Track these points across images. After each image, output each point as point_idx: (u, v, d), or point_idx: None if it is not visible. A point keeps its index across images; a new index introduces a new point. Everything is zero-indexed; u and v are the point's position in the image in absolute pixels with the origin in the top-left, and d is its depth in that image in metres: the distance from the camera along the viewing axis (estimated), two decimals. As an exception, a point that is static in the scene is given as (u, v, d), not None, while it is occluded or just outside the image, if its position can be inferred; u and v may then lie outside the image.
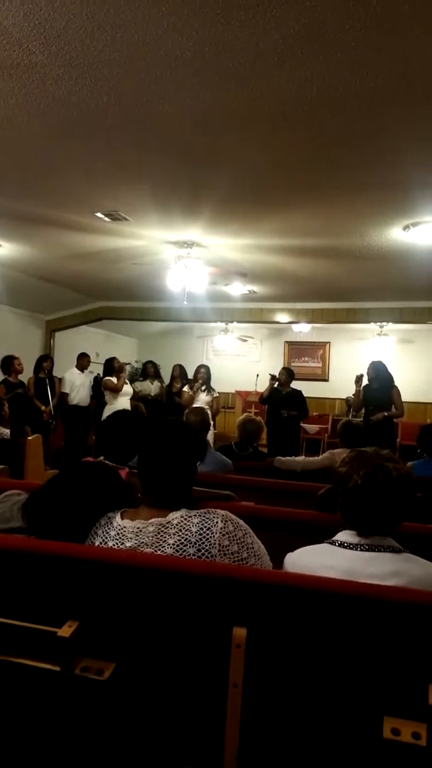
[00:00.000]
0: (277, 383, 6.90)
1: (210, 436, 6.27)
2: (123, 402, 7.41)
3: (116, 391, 7.47)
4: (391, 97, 2.66)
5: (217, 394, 7.24)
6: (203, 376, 7.05)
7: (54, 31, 2.29)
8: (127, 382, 7.78)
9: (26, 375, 7.33)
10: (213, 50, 2.35)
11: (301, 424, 7.68)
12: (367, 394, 6.21)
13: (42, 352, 9.21)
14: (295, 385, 6.97)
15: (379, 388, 6.09)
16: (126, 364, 8.00)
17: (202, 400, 6.85)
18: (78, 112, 2.97)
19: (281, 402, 6.78)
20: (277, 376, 6.93)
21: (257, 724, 1.21)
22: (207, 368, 7.20)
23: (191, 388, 7.10)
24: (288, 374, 6.95)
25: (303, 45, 2.29)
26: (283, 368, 7.20)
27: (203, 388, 6.97)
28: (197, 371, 7.18)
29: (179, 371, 8.31)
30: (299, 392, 6.88)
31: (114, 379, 7.55)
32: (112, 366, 7.68)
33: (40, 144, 3.42)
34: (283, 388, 6.85)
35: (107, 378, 7.66)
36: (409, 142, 3.12)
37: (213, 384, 7.22)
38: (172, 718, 1.28)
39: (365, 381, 6.31)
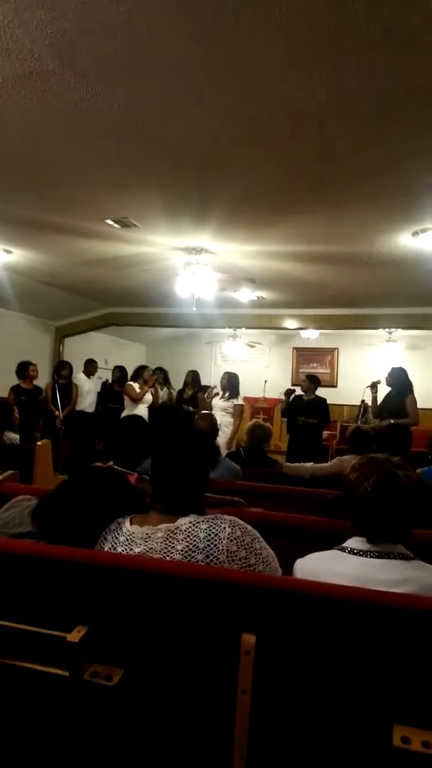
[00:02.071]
0: (293, 395, 6.90)
1: (223, 444, 6.23)
2: (141, 409, 7.34)
3: (135, 399, 7.34)
4: (399, 106, 2.67)
5: (241, 402, 6.98)
6: (222, 382, 6.95)
7: (66, 41, 2.32)
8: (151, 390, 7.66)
9: (39, 381, 7.36)
10: (223, 59, 2.37)
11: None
12: (386, 401, 6.17)
13: (52, 358, 9.27)
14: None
15: (395, 395, 6.05)
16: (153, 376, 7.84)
17: (218, 406, 6.79)
18: (89, 121, 2.99)
19: (303, 409, 6.75)
20: (297, 391, 6.94)
21: (266, 731, 1.21)
22: (228, 375, 6.99)
23: (210, 392, 7.05)
24: (310, 381, 6.90)
25: (312, 55, 2.30)
26: (306, 376, 7.14)
27: (226, 395, 6.86)
28: (222, 377, 7.08)
29: (192, 378, 8.18)
30: (323, 400, 6.81)
31: (136, 386, 7.36)
32: (139, 373, 7.50)
33: (51, 152, 3.45)
34: (306, 395, 6.84)
35: (129, 383, 7.52)
36: (417, 149, 3.12)
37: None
38: (180, 725, 1.27)
39: (385, 387, 6.27)
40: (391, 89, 2.54)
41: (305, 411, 6.73)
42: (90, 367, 8.37)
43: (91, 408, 8.29)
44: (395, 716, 1.13)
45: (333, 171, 3.51)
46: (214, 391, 7.06)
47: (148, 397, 7.46)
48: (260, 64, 2.39)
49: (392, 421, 5.85)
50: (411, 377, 6.10)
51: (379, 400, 6.36)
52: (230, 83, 2.55)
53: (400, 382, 6.04)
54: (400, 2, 1.99)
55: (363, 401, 7.11)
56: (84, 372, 8.31)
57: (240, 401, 6.95)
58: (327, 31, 2.16)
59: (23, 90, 2.72)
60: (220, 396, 6.90)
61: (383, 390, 6.27)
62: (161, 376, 8.51)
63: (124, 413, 7.16)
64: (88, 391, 8.25)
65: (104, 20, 2.17)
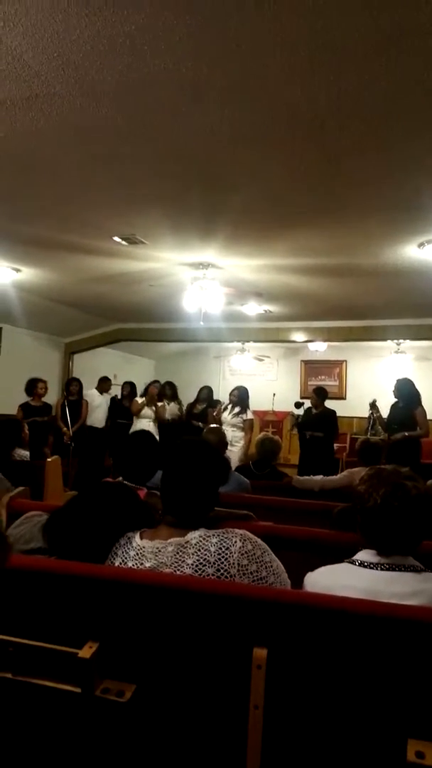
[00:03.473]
0: (304, 408, 6.93)
1: (236, 459, 6.22)
2: (143, 424, 7.44)
3: (135, 412, 7.64)
4: (402, 111, 2.67)
5: (251, 417, 6.93)
6: (231, 398, 6.93)
7: (71, 63, 2.36)
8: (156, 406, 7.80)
9: (49, 398, 7.41)
10: (225, 72, 2.40)
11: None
12: (393, 413, 6.14)
13: (61, 375, 9.33)
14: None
15: (403, 406, 6.02)
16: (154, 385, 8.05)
17: (228, 421, 6.76)
18: (95, 139, 3.04)
19: (311, 423, 6.75)
20: (305, 404, 6.98)
21: (279, 746, 1.20)
22: (239, 390, 6.96)
23: (219, 409, 7.05)
24: (317, 394, 6.93)
25: (312, 60, 2.31)
26: (314, 390, 7.15)
27: (236, 410, 6.82)
28: (230, 392, 7.07)
29: (206, 394, 8.13)
30: (330, 413, 6.80)
31: (139, 400, 7.72)
32: (147, 389, 7.91)
33: (59, 171, 3.50)
34: (316, 408, 6.85)
35: (135, 398, 7.91)
36: (422, 158, 3.13)
37: None
38: (193, 740, 1.27)
39: (385, 401, 6.26)
40: (392, 95, 2.54)
41: (314, 424, 6.72)
42: (104, 385, 8.52)
43: (101, 423, 8.34)
44: (409, 730, 1.12)
45: (338, 184, 3.53)
46: (223, 406, 7.07)
47: (149, 412, 7.58)
48: (261, 75, 2.41)
49: (406, 434, 5.83)
50: (420, 388, 6.07)
51: (385, 412, 6.34)
52: (233, 93, 2.57)
53: (407, 393, 6.02)
54: (401, 2, 1.99)
55: (371, 413, 7.09)
56: (97, 388, 8.44)
57: (249, 415, 6.92)
58: (326, 36, 2.16)
59: (30, 112, 2.77)
60: (228, 411, 6.89)
61: (389, 401, 6.25)
62: (169, 391, 8.55)
63: (131, 429, 7.31)
64: (98, 406, 8.33)
65: (109, 40, 2.21)
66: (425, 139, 2.94)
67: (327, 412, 6.80)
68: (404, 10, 2.02)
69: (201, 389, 8.24)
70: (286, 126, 2.86)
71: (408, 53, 2.26)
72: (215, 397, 8.40)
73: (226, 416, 6.84)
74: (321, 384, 9.79)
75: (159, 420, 7.73)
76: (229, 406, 6.93)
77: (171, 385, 8.77)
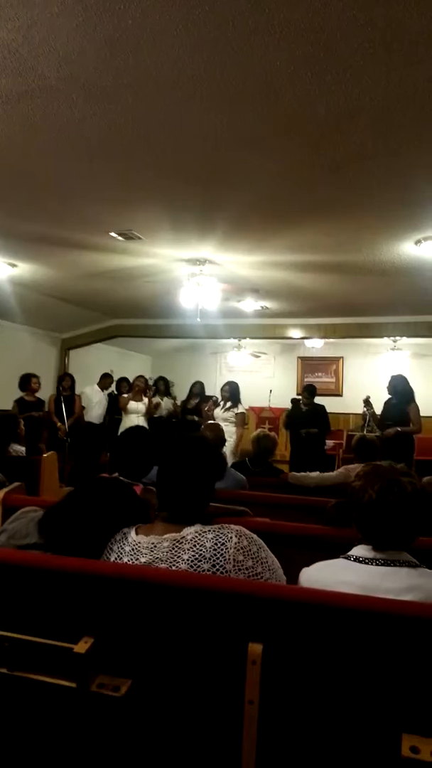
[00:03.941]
0: (293, 403, 6.93)
1: (229, 454, 6.23)
2: (133, 419, 7.46)
3: (122, 408, 7.77)
4: (401, 115, 2.68)
5: (242, 411, 6.95)
6: (224, 393, 6.97)
7: (67, 57, 2.35)
8: (144, 399, 7.83)
9: (43, 393, 7.40)
10: (223, 72, 2.40)
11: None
12: (387, 409, 6.16)
13: (57, 371, 9.32)
14: (311, 400, 6.95)
15: (396, 403, 6.04)
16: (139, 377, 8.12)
17: (220, 416, 6.79)
18: (92, 135, 3.03)
19: (303, 419, 6.75)
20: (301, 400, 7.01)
21: (274, 742, 1.20)
22: (230, 385, 7.00)
23: (211, 405, 7.08)
24: (306, 390, 6.95)
25: (312, 66, 2.32)
26: (304, 387, 7.17)
27: (227, 405, 6.85)
28: (221, 388, 7.12)
29: (198, 389, 8.18)
30: (321, 408, 6.81)
31: (126, 396, 7.82)
32: (132, 384, 8.05)
33: (55, 166, 3.48)
34: (306, 405, 6.85)
35: (122, 394, 8.03)
36: (420, 158, 3.13)
37: None
38: (188, 735, 1.27)
39: (378, 399, 6.27)
40: (391, 100, 2.56)
41: (305, 421, 6.73)
42: (105, 381, 8.53)
43: (99, 419, 8.33)
44: (404, 725, 1.12)
45: (335, 182, 3.52)
46: (216, 400, 7.10)
47: (140, 407, 7.61)
48: (260, 76, 2.42)
49: (399, 429, 5.84)
50: (416, 385, 6.09)
51: (379, 409, 6.36)
52: (232, 94, 2.57)
53: (401, 389, 6.03)
54: (400, 9, 1.99)
55: (365, 410, 7.12)
56: (99, 384, 8.46)
57: (241, 409, 6.96)
58: (326, 43, 2.17)
59: (27, 107, 2.75)
60: (220, 407, 6.92)
61: (383, 398, 6.27)
62: (162, 386, 8.58)
63: (121, 424, 7.42)
64: (97, 402, 8.32)
65: (107, 36, 2.20)
66: (423, 142, 2.94)
67: (318, 408, 6.82)
68: (402, 16, 2.02)
69: (193, 384, 8.28)
70: (285, 126, 2.85)
71: (409, 59, 2.26)
72: (212, 393, 8.41)
73: (218, 412, 6.88)
74: (318, 381, 9.81)
75: (149, 414, 7.76)
76: (222, 402, 6.96)
77: (164, 381, 8.80)
